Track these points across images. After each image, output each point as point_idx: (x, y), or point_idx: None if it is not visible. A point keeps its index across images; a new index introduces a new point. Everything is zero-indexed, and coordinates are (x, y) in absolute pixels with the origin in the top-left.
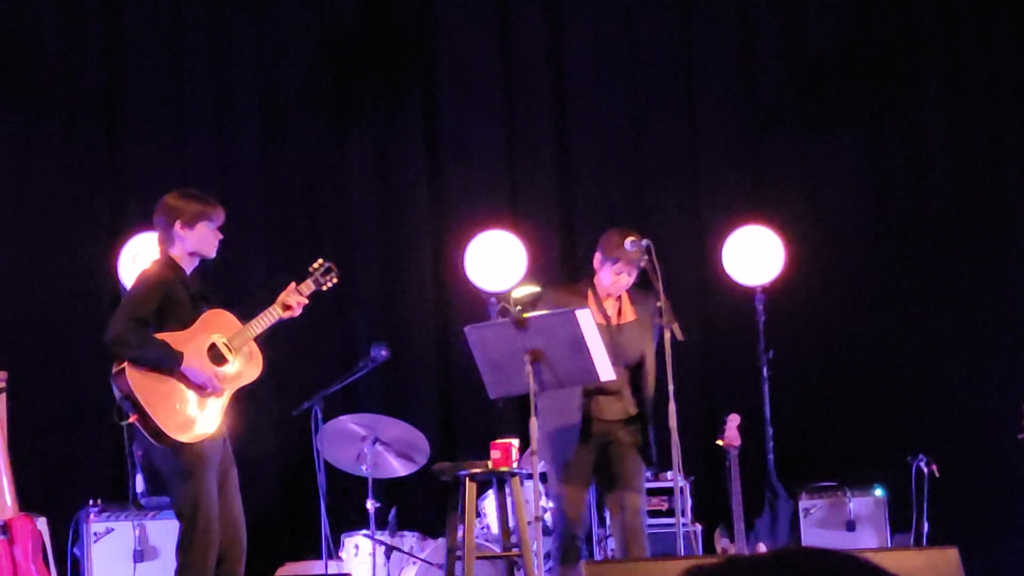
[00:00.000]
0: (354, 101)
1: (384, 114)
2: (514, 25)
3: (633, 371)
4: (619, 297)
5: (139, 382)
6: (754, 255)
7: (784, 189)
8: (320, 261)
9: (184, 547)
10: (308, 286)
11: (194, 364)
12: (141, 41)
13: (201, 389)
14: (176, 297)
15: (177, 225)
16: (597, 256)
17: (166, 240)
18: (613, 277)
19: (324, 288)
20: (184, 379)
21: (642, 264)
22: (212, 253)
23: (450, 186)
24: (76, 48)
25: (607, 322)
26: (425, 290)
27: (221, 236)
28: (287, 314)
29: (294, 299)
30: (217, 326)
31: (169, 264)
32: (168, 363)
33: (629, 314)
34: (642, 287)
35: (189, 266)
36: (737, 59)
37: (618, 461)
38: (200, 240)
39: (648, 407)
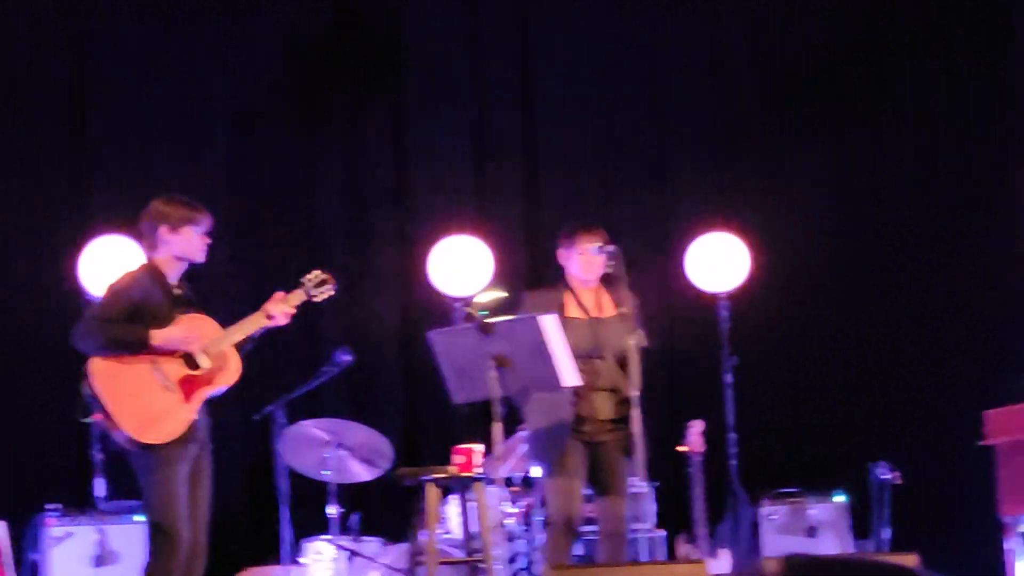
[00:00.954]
0: (322, 106)
1: (352, 119)
2: (483, 33)
3: (623, 365)
4: (598, 291)
5: (103, 379)
6: (719, 262)
7: (749, 196)
8: (316, 272)
9: (152, 548)
10: (298, 296)
11: (163, 334)
12: (109, 45)
13: (172, 388)
14: (151, 302)
15: (163, 229)
16: (561, 252)
17: (151, 245)
18: (582, 260)
19: (317, 300)
20: (154, 378)
21: (609, 270)
22: (200, 257)
23: (416, 191)
24: (43, 51)
25: (587, 315)
26: (390, 295)
27: (208, 240)
28: (270, 323)
29: (278, 308)
30: (194, 330)
31: (148, 270)
32: (136, 344)
33: (610, 308)
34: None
35: (174, 270)
36: (704, 68)
37: (606, 466)
38: (186, 244)
39: (634, 401)
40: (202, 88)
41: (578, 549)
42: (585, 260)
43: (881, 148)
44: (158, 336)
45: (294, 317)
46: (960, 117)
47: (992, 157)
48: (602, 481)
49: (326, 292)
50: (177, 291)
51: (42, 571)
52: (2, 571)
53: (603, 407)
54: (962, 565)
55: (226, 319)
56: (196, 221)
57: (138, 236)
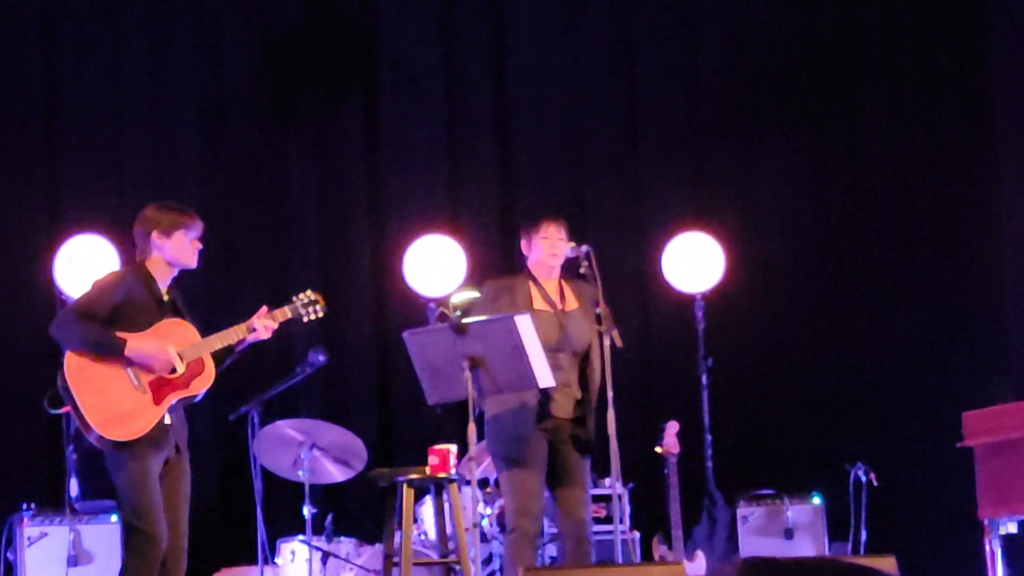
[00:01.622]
0: (293, 104)
1: (324, 118)
2: (456, 31)
3: (581, 362)
4: (560, 283)
5: (75, 372)
6: (694, 262)
7: (725, 196)
8: (308, 292)
9: (126, 548)
10: (284, 313)
11: (137, 345)
12: (79, 43)
13: (143, 388)
14: (135, 303)
15: (154, 235)
16: (523, 242)
17: (144, 251)
18: (544, 244)
19: (305, 320)
20: (127, 376)
21: (582, 271)
22: (192, 262)
23: (390, 190)
24: (13, 49)
25: (553, 308)
26: (364, 295)
27: (200, 246)
28: (251, 337)
29: (261, 323)
30: (172, 335)
31: (136, 270)
32: (109, 347)
33: (572, 301)
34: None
35: (165, 275)
36: (679, 67)
37: (567, 465)
38: (178, 249)
39: (593, 399)
40: (173, 87)
41: (551, 551)
42: (548, 244)
43: (856, 147)
44: (132, 347)
45: (274, 332)
46: (936, 115)
47: (969, 155)
48: (562, 480)
49: (315, 313)
50: (165, 296)
51: (16, 571)
52: None
53: (564, 404)
54: (940, 567)
55: (197, 318)
56: (188, 226)
57: (115, 238)
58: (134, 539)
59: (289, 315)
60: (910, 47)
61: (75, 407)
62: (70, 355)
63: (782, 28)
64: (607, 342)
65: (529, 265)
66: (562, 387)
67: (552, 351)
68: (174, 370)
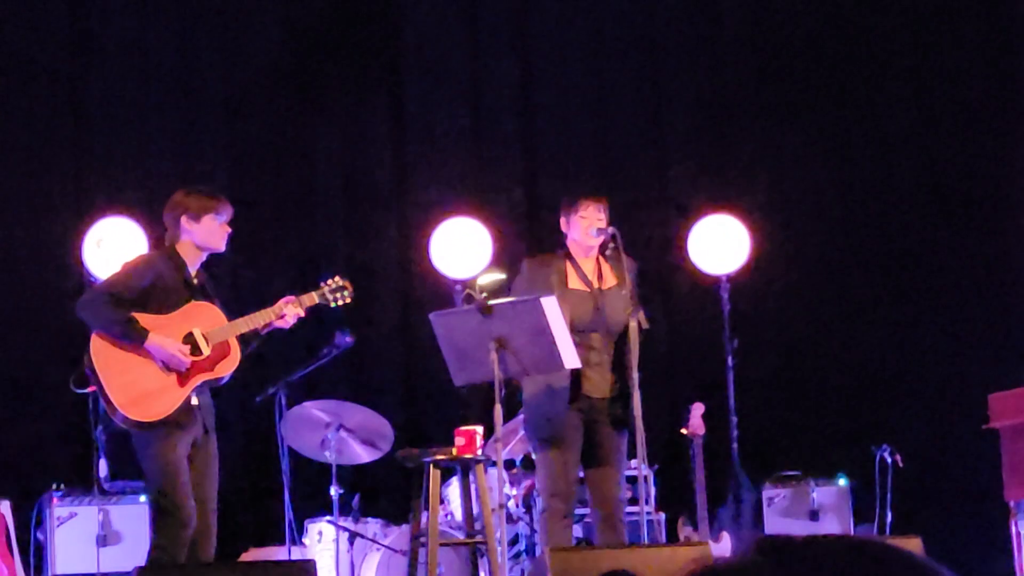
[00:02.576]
0: (319, 86)
1: (350, 99)
2: (481, 10)
3: (618, 342)
4: (598, 262)
5: (100, 352)
6: (720, 244)
7: (750, 178)
8: (336, 278)
9: (155, 527)
10: (311, 298)
11: (158, 341)
12: (107, 24)
13: (168, 370)
14: (165, 286)
15: (184, 219)
16: (562, 220)
17: (174, 234)
18: (583, 223)
19: (332, 305)
20: (151, 358)
21: (608, 252)
22: (221, 246)
23: (416, 173)
24: (42, 31)
25: (589, 288)
26: (390, 277)
27: (229, 230)
28: (279, 322)
29: (289, 309)
30: (199, 318)
31: (165, 253)
32: (132, 336)
33: (610, 279)
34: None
35: (194, 259)
36: (704, 47)
37: (601, 443)
38: (207, 234)
39: (630, 378)
40: (200, 71)
41: (577, 531)
42: (586, 223)
43: (883, 126)
44: (152, 341)
45: (300, 318)
46: (964, 91)
47: (998, 133)
48: (596, 459)
49: (344, 299)
50: (195, 280)
51: (46, 551)
52: (7, 551)
53: (598, 384)
54: (966, 549)
55: (223, 302)
56: (217, 211)
57: (143, 221)
58: (162, 519)
59: (317, 301)
60: (936, 18)
61: (100, 388)
62: (96, 336)
63: (807, 6)
64: (633, 323)
65: (567, 244)
66: (595, 366)
67: (586, 331)
68: (199, 352)
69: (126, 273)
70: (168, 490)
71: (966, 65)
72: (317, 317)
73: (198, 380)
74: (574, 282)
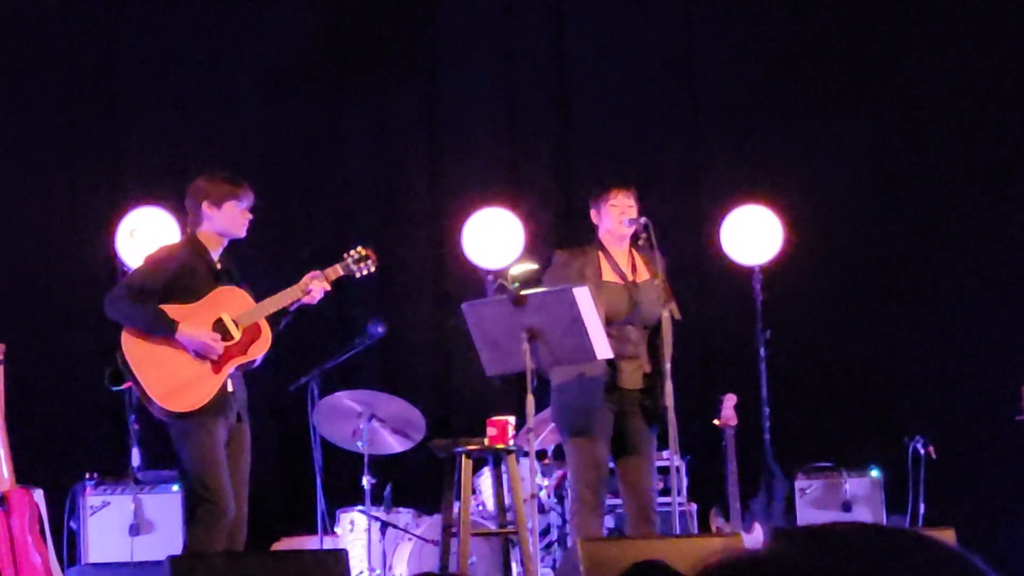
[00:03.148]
0: (353, 75)
1: (383, 89)
2: (516, 3)
3: (651, 334)
4: (632, 254)
5: (132, 347)
6: (753, 234)
7: (783, 168)
8: (359, 248)
9: (193, 517)
10: (335, 271)
11: (189, 331)
12: (141, 14)
13: (202, 358)
14: (189, 274)
15: (204, 205)
16: (592, 212)
17: (195, 221)
18: (614, 211)
19: (357, 276)
20: (183, 348)
21: (641, 242)
22: (241, 232)
23: (449, 163)
24: (75, 21)
25: (624, 280)
26: (423, 267)
27: (250, 216)
28: (306, 298)
29: (315, 284)
30: (226, 303)
31: (189, 242)
32: (161, 329)
33: (644, 272)
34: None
35: (217, 246)
36: (739, 38)
37: (632, 434)
38: (228, 220)
39: (664, 371)
40: (233, 61)
41: (609, 522)
42: (617, 211)
43: (917, 117)
44: (183, 332)
45: (327, 292)
46: (999, 82)
47: None
48: (627, 450)
49: (367, 268)
50: (218, 266)
51: (79, 540)
52: (40, 539)
53: (631, 376)
54: (999, 540)
55: (255, 290)
56: (238, 197)
57: (176, 210)
58: (201, 509)
59: (341, 272)
60: (975, 11)
61: (136, 382)
62: (126, 332)
63: None
64: (666, 314)
65: (599, 235)
66: (630, 359)
67: (621, 324)
68: (230, 336)
69: (149, 266)
70: (208, 480)
71: (1004, 54)
72: (349, 307)
73: (232, 365)
74: (608, 275)
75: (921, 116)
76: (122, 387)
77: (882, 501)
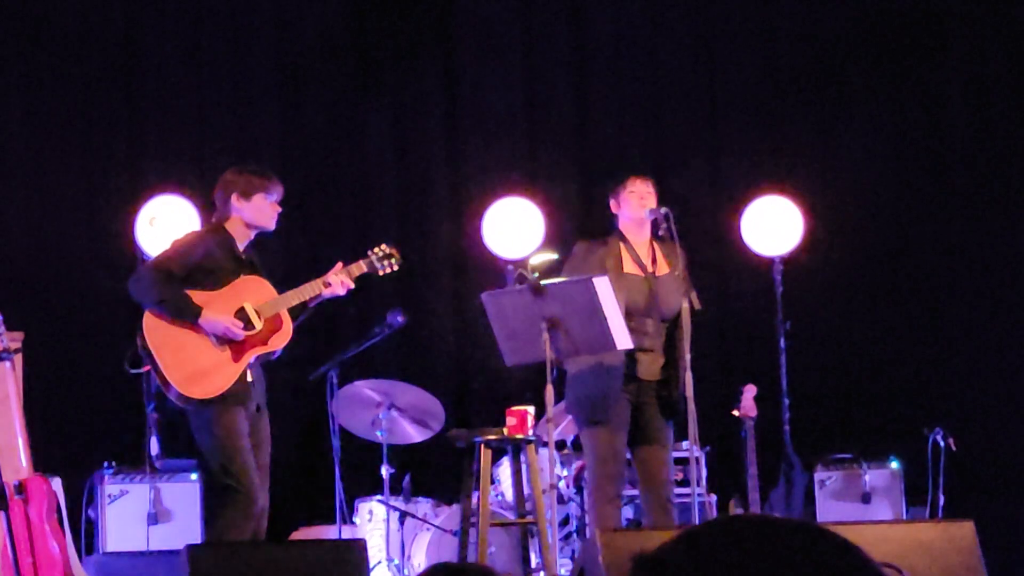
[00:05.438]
0: (373, 64)
1: (403, 78)
2: None
3: (670, 326)
4: (652, 245)
5: (153, 330)
6: (773, 225)
7: (804, 159)
8: (383, 246)
9: (218, 506)
10: (359, 267)
11: (212, 317)
12: (160, 5)
13: (223, 345)
14: (214, 263)
15: (234, 197)
16: (611, 202)
17: (223, 212)
18: (632, 198)
19: (381, 274)
20: (204, 335)
21: (661, 233)
22: (271, 225)
23: (468, 152)
24: (96, 8)
25: (644, 272)
26: (442, 256)
27: (280, 209)
28: (328, 292)
29: (336, 278)
30: (249, 292)
31: (215, 230)
32: (185, 313)
33: (663, 264)
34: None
35: (243, 237)
36: (759, 28)
37: (649, 425)
38: (257, 212)
39: (685, 363)
40: (252, 49)
41: (627, 513)
42: (636, 198)
43: (937, 109)
44: (206, 317)
45: (349, 288)
46: (1020, 75)
47: None
48: (643, 440)
49: (391, 266)
50: (243, 256)
51: (98, 528)
52: (57, 527)
53: (649, 367)
54: (1018, 532)
55: (276, 280)
56: (267, 190)
57: (195, 198)
58: (227, 497)
59: (365, 269)
60: (992, 6)
61: (155, 366)
62: (148, 315)
63: None
64: (686, 305)
65: (619, 226)
66: (648, 351)
67: (641, 316)
68: (252, 326)
69: (176, 250)
70: (231, 467)
71: None
72: (369, 297)
73: (252, 354)
74: (629, 266)
75: (943, 106)
76: (140, 371)
77: (901, 492)
